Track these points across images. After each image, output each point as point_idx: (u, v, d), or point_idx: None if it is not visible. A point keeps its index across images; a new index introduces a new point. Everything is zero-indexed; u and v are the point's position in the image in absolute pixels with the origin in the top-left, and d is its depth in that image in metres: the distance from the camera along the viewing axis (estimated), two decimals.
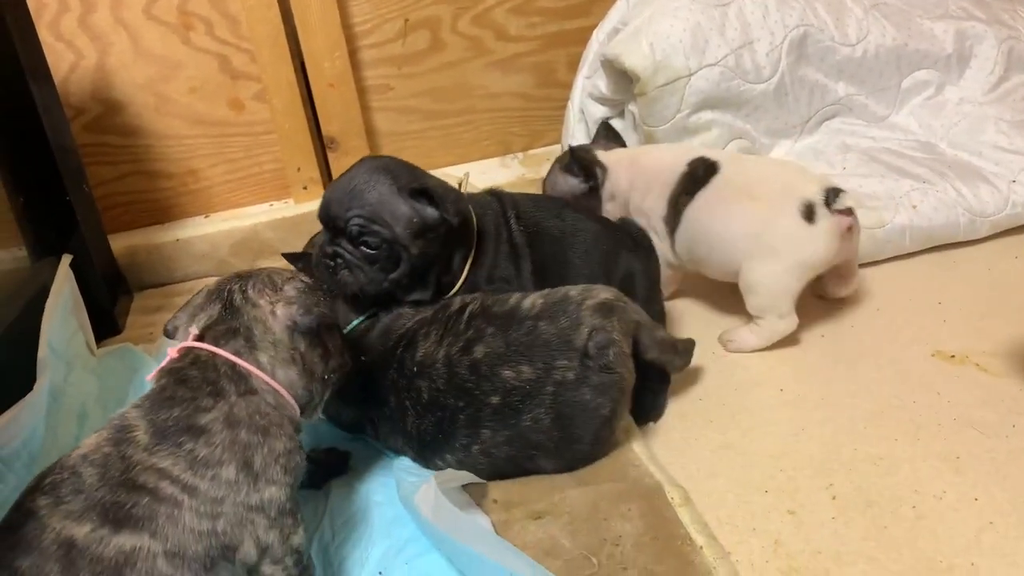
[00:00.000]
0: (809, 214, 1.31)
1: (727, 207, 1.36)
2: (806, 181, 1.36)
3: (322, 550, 1.04)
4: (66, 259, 1.43)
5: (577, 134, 1.92)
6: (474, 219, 1.24)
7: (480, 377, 1.07)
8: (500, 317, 1.10)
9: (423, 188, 1.15)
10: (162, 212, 1.93)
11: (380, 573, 0.99)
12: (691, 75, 1.66)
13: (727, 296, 1.47)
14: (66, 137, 1.59)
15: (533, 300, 1.12)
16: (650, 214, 1.45)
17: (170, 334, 0.96)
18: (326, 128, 1.92)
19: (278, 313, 0.92)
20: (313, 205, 1.88)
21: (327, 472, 1.16)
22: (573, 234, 1.30)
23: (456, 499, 1.01)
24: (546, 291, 1.14)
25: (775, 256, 1.32)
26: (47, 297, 1.32)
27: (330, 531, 1.06)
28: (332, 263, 1.16)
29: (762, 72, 1.71)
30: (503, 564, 0.89)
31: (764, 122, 1.78)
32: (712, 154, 1.45)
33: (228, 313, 0.92)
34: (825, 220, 1.30)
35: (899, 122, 1.86)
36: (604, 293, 1.12)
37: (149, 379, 0.91)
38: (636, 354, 1.12)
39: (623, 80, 1.75)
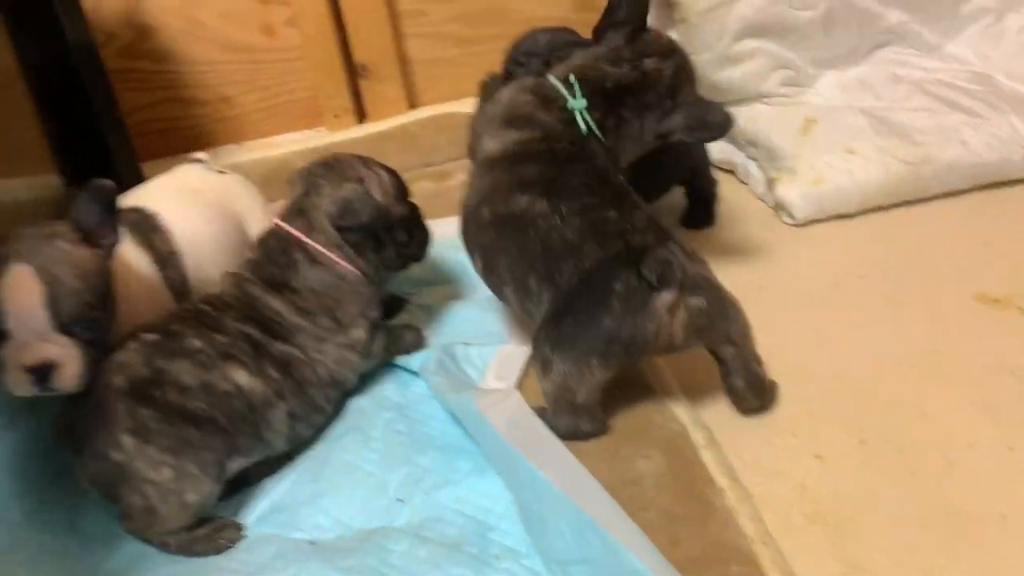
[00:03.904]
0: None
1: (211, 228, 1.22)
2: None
3: None
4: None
5: None
6: None
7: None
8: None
9: None
10: (195, 140, 1.92)
11: (400, 500, 1.00)
12: (734, 0, 1.59)
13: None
14: (96, 62, 1.57)
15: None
16: None
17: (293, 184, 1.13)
18: (358, 55, 1.87)
19: (327, 208, 1.05)
20: (345, 134, 1.87)
21: None
22: None
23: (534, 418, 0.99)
24: None
25: None
26: None
27: None
28: None
29: None
30: (574, 500, 0.86)
31: (810, 51, 1.70)
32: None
33: (304, 195, 1.08)
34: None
35: (954, 52, 1.77)
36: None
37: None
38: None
39: (663, 6, 1.68)
